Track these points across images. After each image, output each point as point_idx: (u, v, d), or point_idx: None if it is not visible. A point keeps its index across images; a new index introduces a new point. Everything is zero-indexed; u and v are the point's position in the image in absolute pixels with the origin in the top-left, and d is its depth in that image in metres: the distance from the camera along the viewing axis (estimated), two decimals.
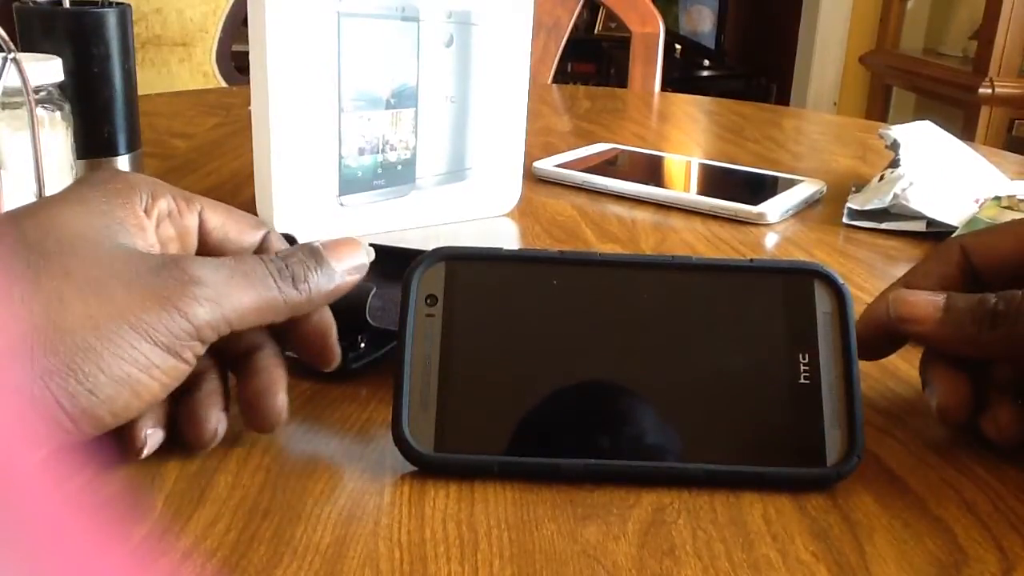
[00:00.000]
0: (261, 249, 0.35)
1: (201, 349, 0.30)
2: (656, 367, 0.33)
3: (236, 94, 1.08)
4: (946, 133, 0.76)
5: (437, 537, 0.29)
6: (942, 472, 0.34)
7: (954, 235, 0.38)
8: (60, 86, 0.58)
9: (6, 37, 0.51)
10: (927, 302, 0.35)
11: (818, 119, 1.17)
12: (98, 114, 0.62)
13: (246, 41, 0.54)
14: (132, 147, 0.65)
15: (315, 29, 0.52)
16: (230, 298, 0.30)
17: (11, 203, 0.53)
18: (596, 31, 4.11)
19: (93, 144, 0.62)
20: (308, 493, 0.31)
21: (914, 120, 0.79)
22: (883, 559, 0.29)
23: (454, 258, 0.34)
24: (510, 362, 0.33)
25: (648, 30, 1.33)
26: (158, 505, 0.30)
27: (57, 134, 0.57)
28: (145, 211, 0.32)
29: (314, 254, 0.33)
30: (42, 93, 0.55)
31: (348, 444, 0.34)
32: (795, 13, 3.21)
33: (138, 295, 0.28)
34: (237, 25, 1.73)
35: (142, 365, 0.28)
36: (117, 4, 0.63)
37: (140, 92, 0.67)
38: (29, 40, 0.60)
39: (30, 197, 0.54)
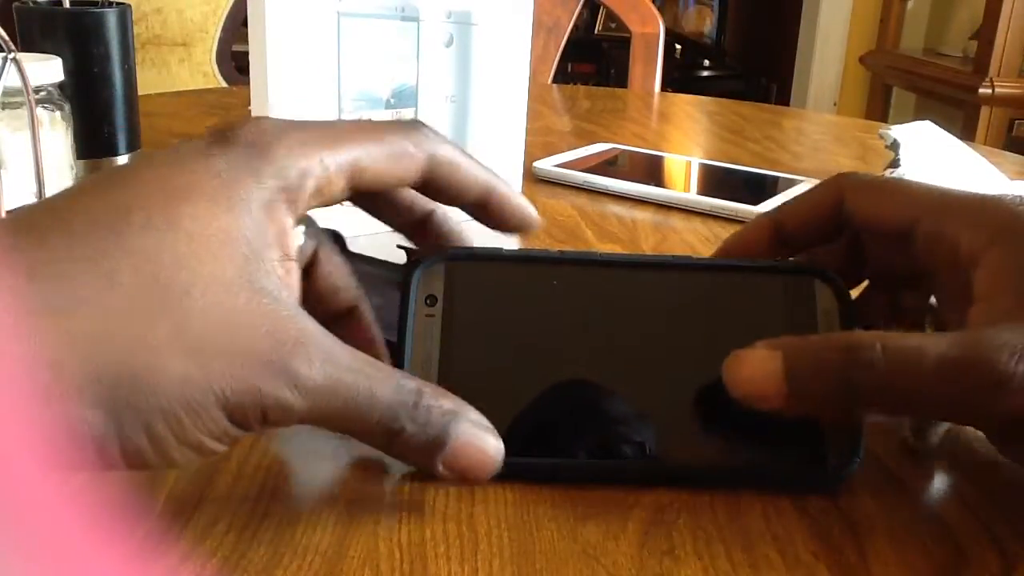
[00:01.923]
0: (428, 171, 0.30)
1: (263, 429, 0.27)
2: (656, 367, 0.33)
3: (236, 94, 1.08)
4: (946, 133, 0.76)
5: (437, 537, 0.29)
6: (942, 472, 0.34)
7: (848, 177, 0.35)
8: (60, 86, 0.58)
9: (6, 37, 0.51)
10: (764, 372, 0.29)
11: (818, 119, 1.17)
12: (98, 114, 0.63)
13: (246, 41, 0.54)
14: (132, 147, 0.65)
15: (315, 29, 0.52)
16: (315, 411, 0.26)
17: (11, 203, 0.53)
18: (596, 31, 4.11)
19: (93, 144, 0.62)
20: (308, 493, 0.31)
21: (914, 120, 0.79)
22: (883, 559, 0.29)
23: (454, 258, 0.34)
24: (510, 362, 0.33)
25: (648, 30, 1.33)
26: (158, 505, 0.30)
27: (57, 134, 0.57)
28: (294, 200, 0.27)
29: (438, 436, 0.28)
30: (42, 93, 0.55)
31: (348, 444, 0.34)
32: (795, 13, 3.21)
33: (232, 369, 0.25)
34: (237, 25, 1.73)
35: (215, 435, 0.25)
36: (117, 4, 0.63)
37: (140, 92, 0.67)
38: (29, 40, 0.60)
39: (30, 197, 0.54)
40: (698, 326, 0.34)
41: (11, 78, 0.51)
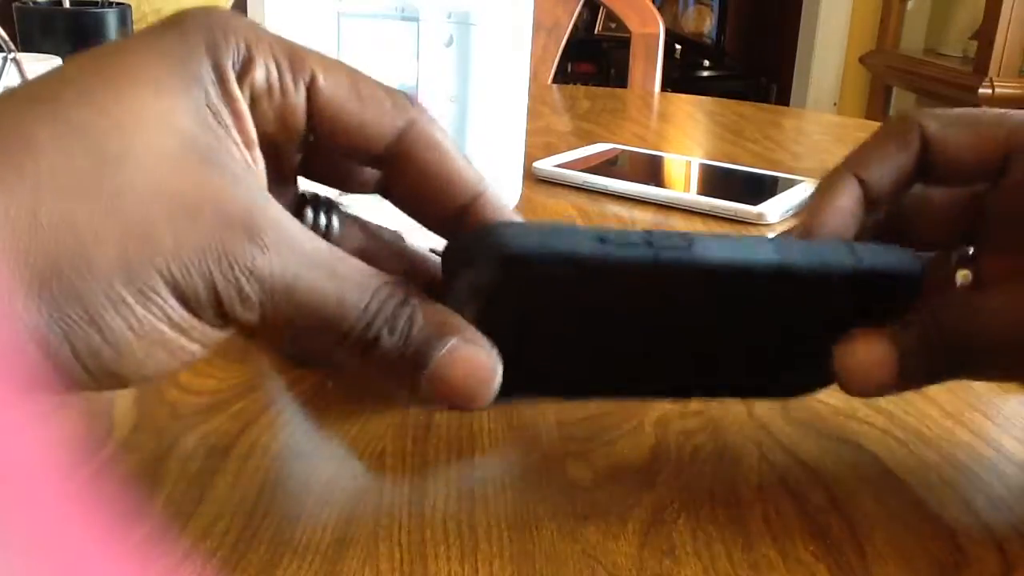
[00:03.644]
0: (404, 144, 0.26)
1: (226, 328, 0.23)
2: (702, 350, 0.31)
3: None
4: None
5: (437, 537, 0.29)
6: (942, 472, 0.34)
7: (911, 115, 0.32)
8: None
9: (6, 37, 0.51)
10: (877, 359, 0.29)
11: (818, 119, 1.17)
12: None
13: None
14: None
15: (315, 29, 0.52)
16: (277, 308, 0.23)
17: None
18: (596, 31, 4.11)
19: None
20: (308, 493, 0.31)
21: None
22: (883, 559, 0.29)
23: (509, 263, 0.25)
24: (552, 332, 0.29)
25: (648, 30, 1.33)
26: (158, 505, 0.30)
27: None
28: (238, 80, 0.24)
29: (422, 349, 0.24)
30: None
31: (348, 444, 0.34)
32: (795, 13, 3.21)
33: (183, 248, 0.21)
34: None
35: (175, 324, 0.22)
36: (117, 4, 0.63)
37: None
38: (29, 40, 0.60)
39: None
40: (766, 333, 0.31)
41: (11, 78, 0.51)
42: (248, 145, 0.24)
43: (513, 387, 0.26)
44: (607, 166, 0.76)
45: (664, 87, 1.36)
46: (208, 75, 0.23)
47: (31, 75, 0.53)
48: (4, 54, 0.51)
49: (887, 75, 2.81)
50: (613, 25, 3.93)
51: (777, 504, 0.31)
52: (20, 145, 0.21)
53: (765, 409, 0.37)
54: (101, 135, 0.21)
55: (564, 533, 0.29)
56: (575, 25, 1.43)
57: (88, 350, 0.21)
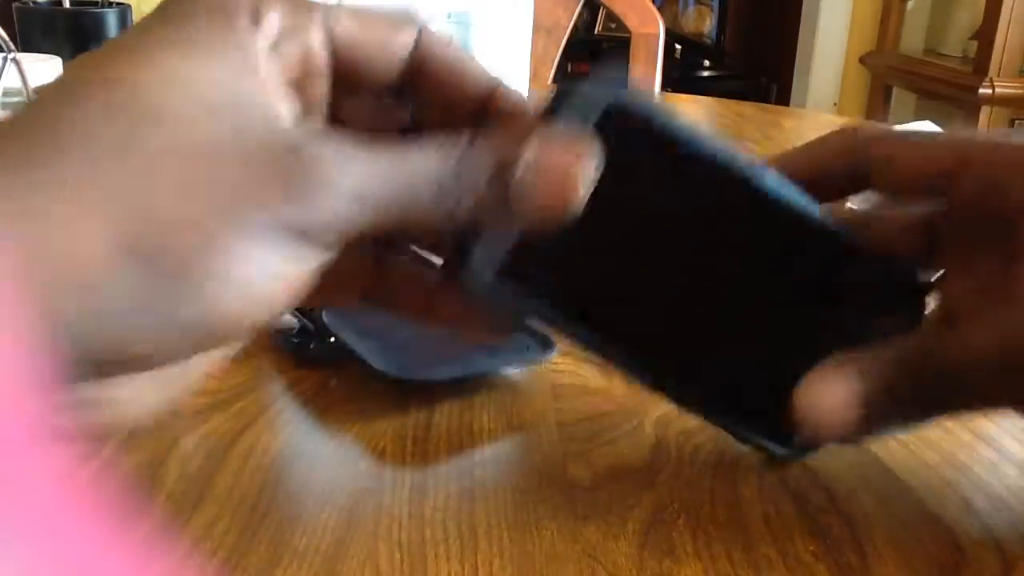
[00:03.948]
0: (417, 53, 0.26)
1: (331, 251, 0.23)
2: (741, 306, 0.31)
3: None
4: None
5: (437, 537, 0.29)
6: (942, 472, 0.34)
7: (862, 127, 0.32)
8: None
9: (6, 37, 0.51)
10: (839, 401, 0.28)
11: (818, 119, 1.17)
12: None
13: None
14: None
15: None
16: (352, 218, 0.23)
17: None
18: (596, 31, 4.11)
19: None
20: (308, 493, 0.31)
21: (914, 120, 0.79)
22: (883, 559, 0.29)
23: (619, 110, 0.27)
24: (619, 234, 0.29)
25: (648, 30, 1.33)
26: (158, 505, 0.30)
27: None
28: (255, 34, 0.24)
29: (502, 171, 0.24)
30: None
31: (348, 444, 0.34)
32: (795, 13, 3.21)
33: (245, 183, 0.21)
34: None
35: (278, 254, 0.22)
36: (117, 4, 0.63)
37: None
38: (29, 40, 0.60)
39: None
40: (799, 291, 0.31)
41: (11, 78, 0.51)
42: (270, 91, 0.24)
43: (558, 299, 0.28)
44: None
45: (664, 87, 1.36)
46: (226, 32, 0.23)
47: (31, 75, 0.53)
48: (4, 54, 0.51)
49: (887, 75, 2.81)
50: (613, 25, 3.93)
51: (777, 504, 0.31)
52: (65, 125, 0.21)
53: None
54: (137, 100, 0.21)
55: (564, 533, 0.29)
56: (575, 25, 1.43)
57: (191, 298, 0.21)
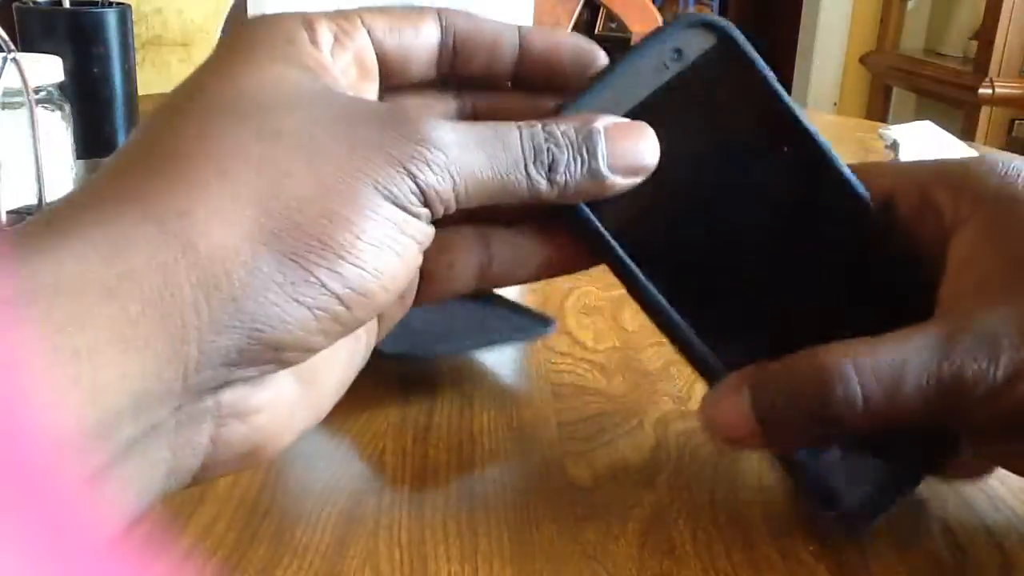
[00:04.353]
0: (448, 31, 0.28)
1: (429, 218, 0.24)
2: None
3: None
4: (946, 133, 0.76)
5: (437, 537, 0.29)
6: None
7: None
8: (60, 86, 0.58)
9: (6, 37, 0.51)
10: (736, 414, 0.27)
11: (818, 119, 1.17)
12: (98, 114, 0.63)
13: None
14: None
15: None
16: (464, 169, 0.24)
17: (11, 203, 0.53)
18: (596, 31, 4.10)
19: (93, 144, 0.62)
20: (308, 493, 0.31)
21: (914, 120, 0.79)
22: (883, 559, 0.29)
23: (729, 38, 0.29)
24: (683, 169, 0.29)
25: (648, 30, 1.33)
26: (158, 505, 0.30)
27: (57, 134, 0.57)
28: (313, 44, 0.26)
29: (588, 140, 0.26)
30: (42, 93, 0.55)
31: (348, 444, 0.34)
32: (795, 13, 3.21)
33: (362, 152, 0.23)
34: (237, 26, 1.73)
35: (395, 223, 0.23)
36: (117, 4, 0.63)
37: (140, 92, 0.67)
38: (29, 40, 0.60)
39: (30, 198, 0.54)
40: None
41: (11, 78, 0.51)
42: (345, 88, 0.26)
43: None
44: None
45: None
46: (290, 47, 0.25)
47: (31, 75, 0.52)
48: (4, 54, 0.51)
49: (887, 75, 2.81)
50: (613, 25, 3.93)
51: (777, 504, 0.31)
52: (183, 134, 0.22)
53: None
54: (242, 101, 0.23)
55: (564, 533, 0.29)
56: (575, 25, 1.43)
57: (329, 273, 0.22)
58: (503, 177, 0.25)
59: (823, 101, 3.08)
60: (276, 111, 0.23)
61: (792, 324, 0.30)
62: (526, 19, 0.61)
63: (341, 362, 0.26)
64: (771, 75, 0.30)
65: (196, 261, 0.20)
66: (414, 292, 0.28)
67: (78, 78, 0.60)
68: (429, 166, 0.23)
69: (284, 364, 0.22)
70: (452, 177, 0.24)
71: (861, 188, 0.30)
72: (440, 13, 0.28)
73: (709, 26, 0.29)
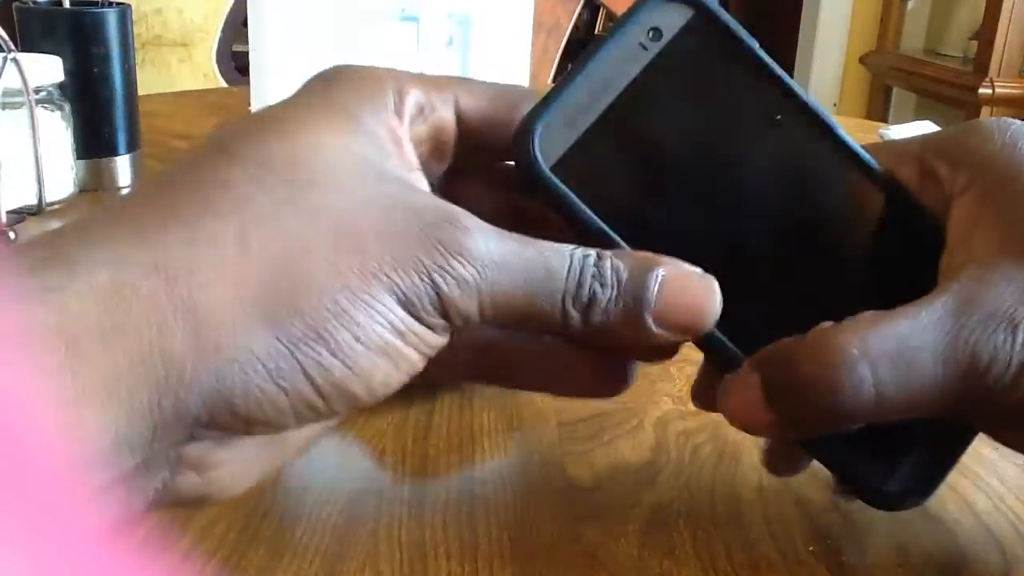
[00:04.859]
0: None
1: (446, 328, 0.23)
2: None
3: (236, 94, 1.08)
4: None
5: (437, 537, 0.29)
6: None
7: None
8: (60, 86, 0.58)
9: (6, 37, 0.51)
10: (749, 400, 0.26)
11: None
12: (98, 114, 0.63)
13: (246, 41, 0.54)
14: (132, 147, 0.65)
15: (316, 29, 0.52)
16: (496, 289, 0.23)
17: (11, 203, 0.53)
18: (596, 31, 4.11)
19: (93, 144, 0.62)
20: (308, 493, 0.31)
21: (914, 120, 0.79)
22: (883, 559, 0.29)
23: (707, 11, 0.28)
24: (677, 150, 0.29)
25: None
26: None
27: (57, 134, 0.57)
28: (396, 113, 0.25)
29: (639, 287, 0.24)
30: (42, 93, 0.55)
31: (348, 444, 0.34)
32: (795, 13, 3.21)
33: (392, 251, 0.22)
34: (237, 25, 1.73)
35: (399, 333, 0.22)
36: (117, 4, 0.63)
37: (140, 92, 0.67)
38: (29, 40, 0.60)
39: (30, 198, 0.54)
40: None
41: (11, 78, 0.51)
42: (409, 168, 0.26)
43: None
44: None
45: None
46: (375, 112, 0.25)
47: (31, 75, 0.52)
48: (4, 54, 0.51)
49: (887, 75, 2.81)
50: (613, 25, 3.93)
51: (777, 504, 0.31)
52: (216, 186, 0.22)
53: None
54: (288, 165, 0.22)
55: (564, 533, 0.29)
56: (575, 25, 1.43)
57: (318, 367, 0.21)
58: (535, 305, 0.24)
59: (823, 101, 3.07)
60: (320, 186, 0.22)
61: (801, 300, 0.29)
62: (526, 19, 0.61)
63: (310, 427, 0.24)
64: (754, 43, 0.29)
65: (192, 327, 0.20)
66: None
67: (78, 78, 0.60)
68: (457, 280, 0.23)
69: (252, 434, 0.22)
70: (480, 295, 0.23)
71: (863, 153, 0.29)
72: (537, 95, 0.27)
73: (682, 0, 0.28)
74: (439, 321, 0.23)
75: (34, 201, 0.54)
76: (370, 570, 0.27)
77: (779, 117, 0.29)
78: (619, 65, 0.28)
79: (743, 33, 0.29)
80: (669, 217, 0.28)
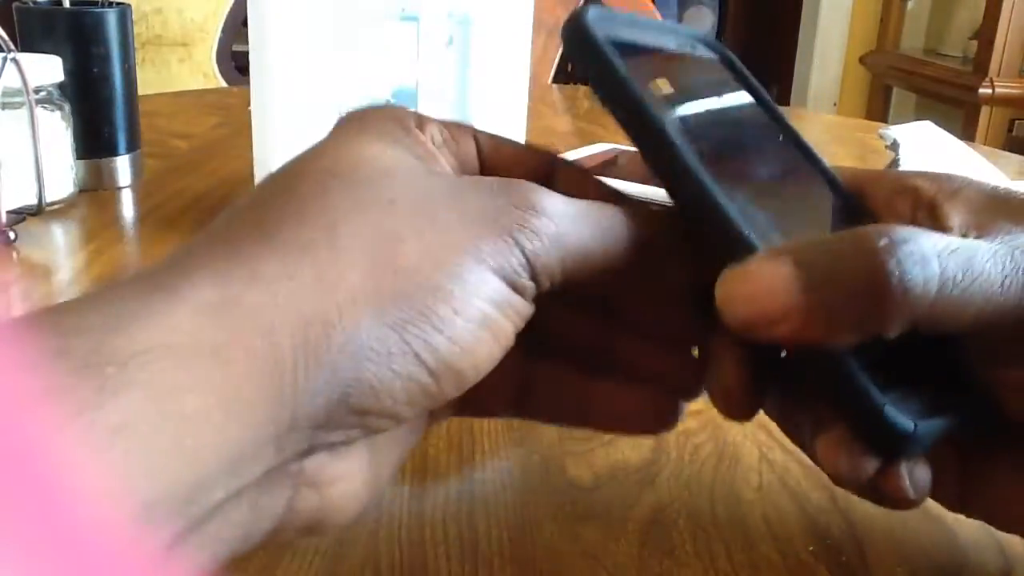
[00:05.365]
0: (548, 177, 0.29)
1: (533, 292, 0.24)
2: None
3: (236, 94, 1.08)
4: (946, 133, 0.76)
5: (437, 537, 0.29)
6: None
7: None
8: (60, 86, 0.58)
9: (6, 37, 0.51)
10: (772, 287, 0.23)
11: (818, 119, 1.17)
12: (98, 114, 0.63)
13: (246, 41, 0.54)
14: (132, 147, 0.65)
15: (315, 29, 0.52)
16: (575, 239, 0.24)
17: (11, 203, 0.53)
18: None
19: (93, 144, 0.62)
20: None
21: (914, 120, 0.79)
22: (883, 559, 0.29)
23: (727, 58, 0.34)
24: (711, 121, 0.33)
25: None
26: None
27: (57, 134, 0.57)
28: (424, 134, 0.27)
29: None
30: (42, 93, 0.55)
31: None
32: (795, 13, 3.21)
33: (472, 222, 0.23)
34: (237, 25, 1.73)
35: (495, 302, 0.23)
36: (117, 4, 0.63)
37: (140, 92, 0.67)
38: (29, 40, 0.60)
39: (30, 198, 0.54)
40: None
41: (11, 78, 0.51)
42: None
43: None
44: (607, 166, 0.76)
45: None
46: (401, 134, 0.26)
47: (31, 75, 0.53)
48: (4, 54, 0.51)
49: (887, 75, 2.81)
50: None
51: (777, 504, 0.31)
52: (294, 199, 0.23)
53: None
54: (353, 170, 0.24)
55: (564, 533, 0.29)
56: None
57: (425, 346, 0.22)
58: (612, 256, 0.25)
59: (823, 101, 3.08)
60: (390, 180, 0.23)
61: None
62: (526, 19, 0.61)
63: (401, 440, 0.26)
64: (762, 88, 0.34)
65: (299, 325, 0.20)
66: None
67: (78, 78, 0.60)
68: (537, 235, 0.23)
69: (367, 430, 0.22)
70: (561, 248, 0.24)
71: (824, 161, 0.32)
72: (554, 163, 0.29)
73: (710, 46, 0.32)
74: (528, 283, 0.24)
75: (34, 201, 0.54)
76: (370, 570, 0.27)
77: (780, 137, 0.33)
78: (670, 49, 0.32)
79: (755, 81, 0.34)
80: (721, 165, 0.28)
